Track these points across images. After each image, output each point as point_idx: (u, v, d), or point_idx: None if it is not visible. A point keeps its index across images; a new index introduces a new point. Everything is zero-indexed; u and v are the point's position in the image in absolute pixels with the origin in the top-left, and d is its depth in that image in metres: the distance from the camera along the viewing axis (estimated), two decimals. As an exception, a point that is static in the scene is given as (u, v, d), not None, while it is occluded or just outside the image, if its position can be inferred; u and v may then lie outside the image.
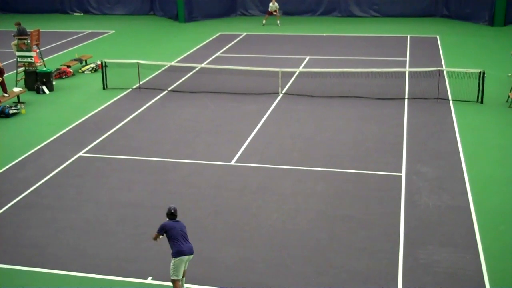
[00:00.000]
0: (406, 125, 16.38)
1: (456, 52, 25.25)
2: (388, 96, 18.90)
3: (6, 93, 18.71)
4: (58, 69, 22.44)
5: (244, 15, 36.22)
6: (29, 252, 10.52)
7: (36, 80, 20.46)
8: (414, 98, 18.59)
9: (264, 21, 32.74)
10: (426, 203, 11.93)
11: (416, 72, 20.32)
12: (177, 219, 9.19)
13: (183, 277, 9.26)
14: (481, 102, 18.07)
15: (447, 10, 33.50)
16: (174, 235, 8.94)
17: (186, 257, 8.97)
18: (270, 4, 32.61)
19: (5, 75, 19.08)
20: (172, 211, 9.07)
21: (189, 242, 9.08)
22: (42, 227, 11.40)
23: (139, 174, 13.71)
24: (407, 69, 21.85)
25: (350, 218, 11.46)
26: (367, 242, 10.59)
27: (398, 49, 26.07)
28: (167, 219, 9.16)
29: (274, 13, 32.55)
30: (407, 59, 24.16)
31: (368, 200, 12.16)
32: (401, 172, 13.38)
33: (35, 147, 15.41)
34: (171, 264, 8.99)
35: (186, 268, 9.20)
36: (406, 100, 18.51)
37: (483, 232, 10.82)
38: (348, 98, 18.86)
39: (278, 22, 32.38)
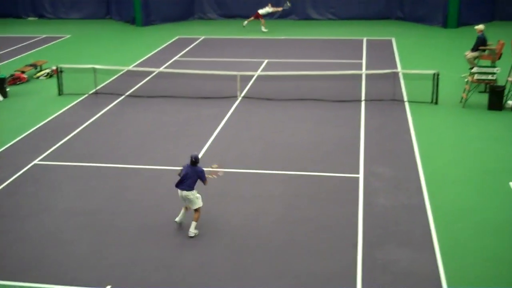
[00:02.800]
0: (363, 127, 16.61)
1: (411, 54, 25.74)
2: (345, 98, 19.13)
3: (-42, 100, 18.24)
4: (12, 75, 21.96)
5: (202, 18, 36.15)
6: (-17, 264, 10.26)
7: (-11, 87, 19.99)
8: (371, 100, 18.87)
9: (263, 29, 31.70)
10: (383, 203, 12.12)
11: (372, 74, 20.62)
12: (197, 165, 10.99)
13: (189, 209, 11.22)
14: (436, 103, 18.47)
15: (401, 12, 34.10)
16: (182, 175, 11.00)
17: (179, 192, 11.00)
18: (267, 9, 31.59)
19: (-44, 82, 18.60)
20: (193, 159, 10.93)
21: (186, 183, 10.89)
22: (-4, 237, 11.15)
23: (97, 181, 13.53)
24: (363, 71, 22.16)
25: (309, 221, 11.56)
26: (326, 244, 10.70)
27: (355, 51, 26.41)
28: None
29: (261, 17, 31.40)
30: (363, 61, 24.50)
31: (326, 202, 12.28)
32: (358, 174, 13.56)
33: (-11, 155, 15.07)
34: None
35: (189, 206, 11.13)
36: (363, 102, 18.77)
37: (439, 231, 11.05)
38: (306, 101, 19.02)
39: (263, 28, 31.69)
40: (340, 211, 11.90)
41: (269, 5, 31.89)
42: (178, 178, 11.07)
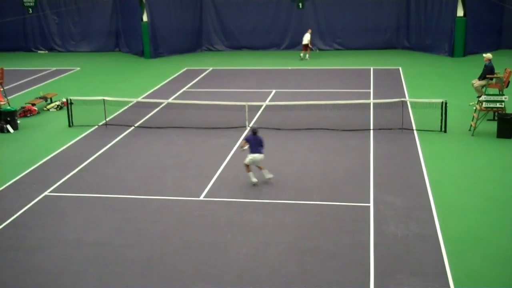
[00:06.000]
0: (372, 156, 16.58)
1: (419, 83, 25.83)
2: (353, 127, 19.15)
3: (-31, 133, 18.41)
4: (22, 108, 22.18)
5: (210, 50, 36.54)
6: (-8, 296, 10.22)
7: (0, 119, 20.15)
8: (379, 129, 18.87)
9: (301, 55, 32.58)
10: (394, 232, 12.02)
11: (380, 103, 20.67)
12: (257, 134, 14.65)
13: (262, 169, 14.74)
14: (445, 131, 18.44)
15: (408, 42, 34.36)
16: (252, 144, 14.59)
17: (256, 155, 14.54)
18: (307, 35, 32.37)
19: (-33, 114, 18.79)
20: (254, 130, 14.68)
21: (260, 149, 14.59)
22: (6, 269, 11.11)
23: (106, 212, 13.53)
24: (371, 100, 22.21)
25: (319, 250, 11.47)
26: (338, 274, 10.59)
27: (362, 81, 26.54)
28: (250, 133, 14.73)
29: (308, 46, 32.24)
30: (371, 90, 24.59)
31: (337, 231, 12.20)
32: (369, 203, 13.49)
33: (-1, 187, 15.14)
34: (248, 158, 14.64)
35: (258, 165, 14.75)
36: (371, 131, 18.77)
37: (451, 259, 10.93)
38: (315, 130, 19.05)
39: (307, 56, 32.33)
40: (351, 240, 11.81)
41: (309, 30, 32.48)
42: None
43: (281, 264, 11.00)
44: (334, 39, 35.29)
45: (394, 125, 19.02)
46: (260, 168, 14.83)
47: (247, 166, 14.74)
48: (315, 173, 15.49)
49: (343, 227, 12.39)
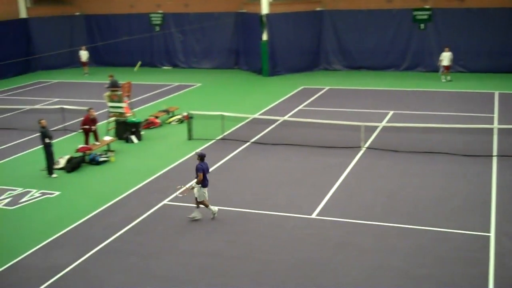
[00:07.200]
0: (495, 184, 15.75)
1: (549, 109, 24.26)
2: (475, 153, 18.31)
3: (98, 141, 19.65)
4: (146, 120, 23.34)
5: (327, 69, 36.52)
6: (112, 297, 10.76)
7: (126, 130, 21.35)
8: (504, 156, 17.91)
9: (443, 79, 31.68)
10: (517, 266, 11.33)
11: (505, 128, 19.61)
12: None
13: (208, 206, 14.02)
14: None
15: (537, 65, 32.41)
16: (205, 176, 13.62)
17: (207, 189, 13.86)
18: (447, 54, 31.50)
19: (97, 124, 20.07)
20: (203, 156, 13.64)
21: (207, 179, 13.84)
22: (123, 273, 11.70)
23: (220, 223, 13.87)
24: (496, 125, 21.15)
25: (434, 279, 11.03)
26: (453, 305, 10.14)
27: (485, 105, 25.34)
28: (199, 161, 13.57)
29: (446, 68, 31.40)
30: (495, 115, 23.41)
31: (453, 261, 11.69)
32: (489, 232, 12.81)
33: (123, 194, 15.98)
34: (202, 191, 13.70)
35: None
36: (495, 158, 17.85)
37: None
38: (433, 154, 18.43)
39: (448, 77, 31.60)
40: (468, 271, 11.26)
41: (446, 49, 31.65)
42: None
43: (392, 289, 10.72)
44: (456, 61, 34.00)
45: (520, 152, 17.99)
46: (206, 205, 14.02)
47: (201, 202, 13.88)
48: (431, 198, 14.96)
49: (460, 256, 11.85)
